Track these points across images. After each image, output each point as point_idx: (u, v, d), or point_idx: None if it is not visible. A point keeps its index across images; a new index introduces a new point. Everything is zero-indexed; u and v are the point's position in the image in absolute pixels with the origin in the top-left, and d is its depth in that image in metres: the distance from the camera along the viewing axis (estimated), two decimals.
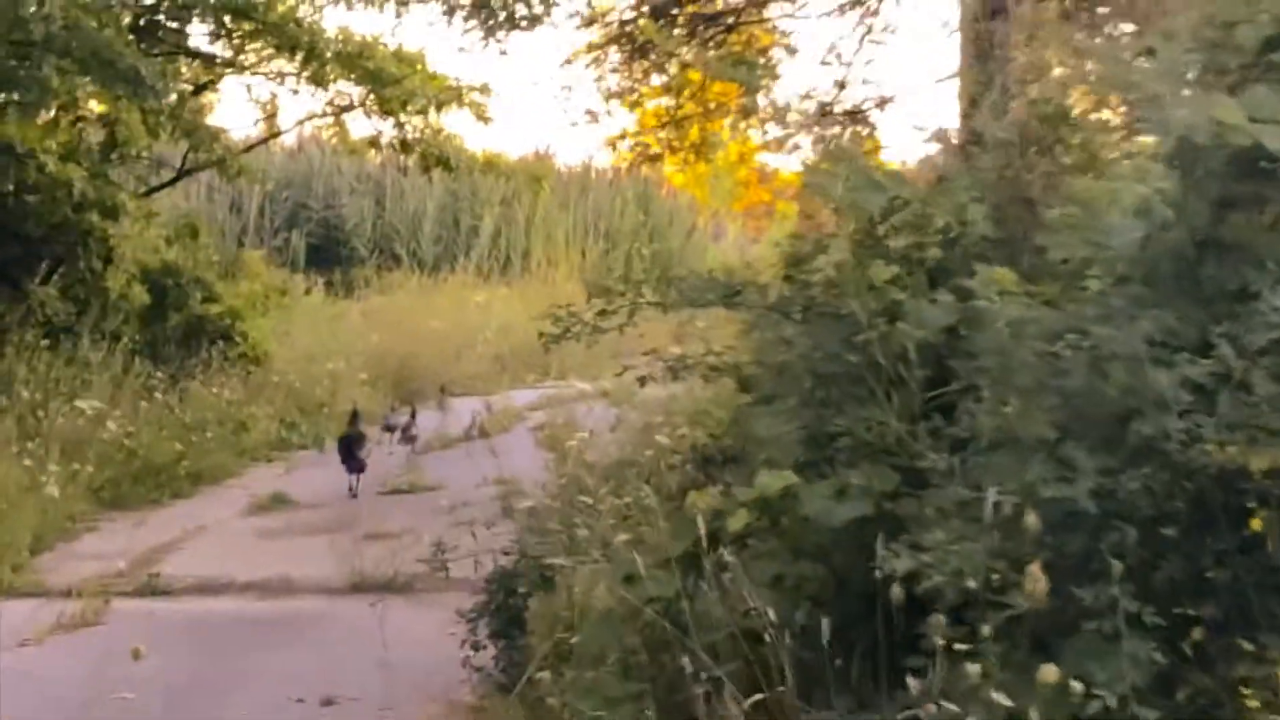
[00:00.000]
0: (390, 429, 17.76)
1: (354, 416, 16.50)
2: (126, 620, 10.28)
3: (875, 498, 5.12)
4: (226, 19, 18.20)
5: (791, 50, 15.25)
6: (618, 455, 12.46)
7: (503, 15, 14.26)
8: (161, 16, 18.23)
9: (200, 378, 17.96)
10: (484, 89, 19.16)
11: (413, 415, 18.05)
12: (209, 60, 19.69)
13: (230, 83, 20.99)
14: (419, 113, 18.94)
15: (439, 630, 9.27)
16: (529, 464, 16.70)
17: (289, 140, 32.33)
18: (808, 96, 14.81)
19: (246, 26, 18.28)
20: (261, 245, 31.26)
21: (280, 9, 17.79)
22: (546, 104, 38.72)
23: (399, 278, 31.31)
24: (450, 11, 14.54)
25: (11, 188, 16.61)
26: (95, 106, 18.14)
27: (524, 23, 14.44)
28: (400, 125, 19.60)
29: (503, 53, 14.81)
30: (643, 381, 11.13)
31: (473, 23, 14.47)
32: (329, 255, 33.11)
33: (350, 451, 15.70)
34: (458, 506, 14.23)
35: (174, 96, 17.11)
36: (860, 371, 5.46)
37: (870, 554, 4.93)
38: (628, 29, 14.99)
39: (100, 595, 10.74)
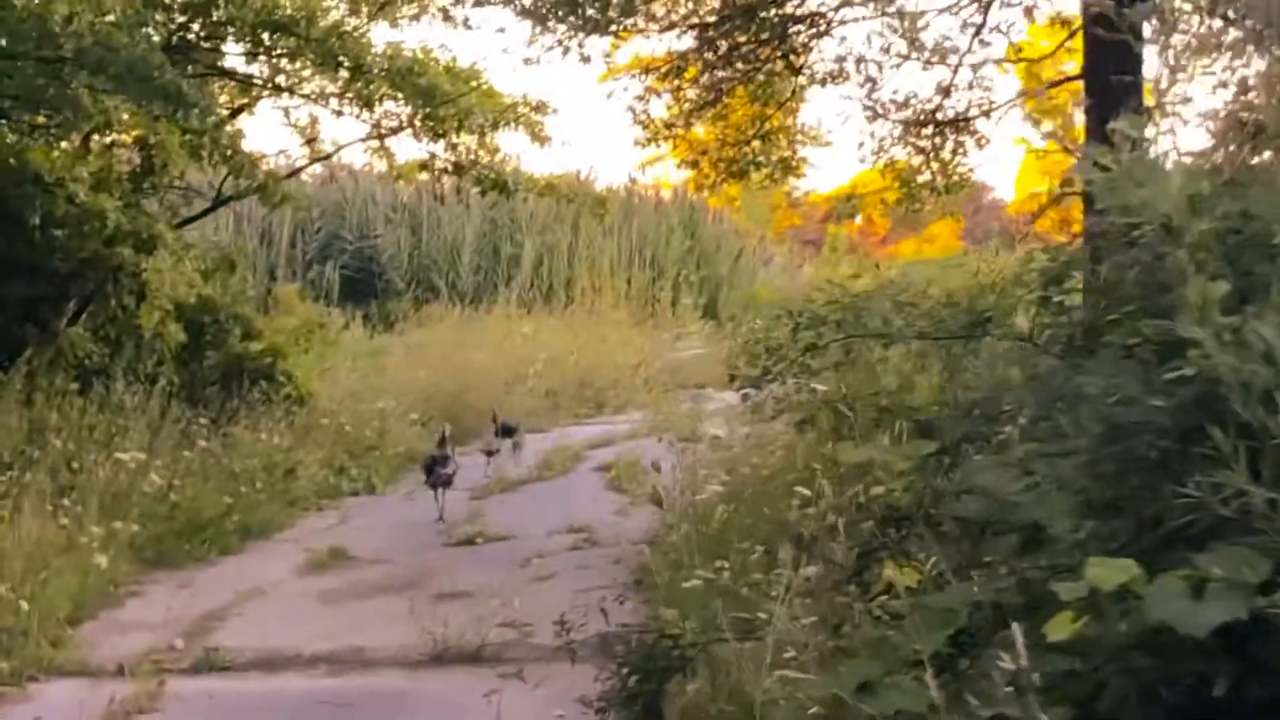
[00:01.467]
0: (490, 453, 17.81)
1: (442, 440, 16.09)
2: (186, 705, 9.01)
3: (1246, 592, 3.78)
4: (265, 36, 16.92)
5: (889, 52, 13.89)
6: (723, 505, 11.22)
7: (595, 12, 12.93)
8: (193, 35, 17.04)
9: (244, 421, 16.70)
10: (541, 106, 17.96)
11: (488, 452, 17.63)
12: (245, 81, 18.46)
13: (265, 106, 19.61)
14: (474, 133, 17.68)
15: (544, 712, 8.10)
16: (600, 509, 15.55)
17: (318, 169, 31.15)
18: (905, 104, 13.58)
19: (287, 44, 16.99)
20: (294, 278, 30.38)
21: (324, 23, 16.49)
22: (586, 123, 37.79)
23: (438, 310, 30.23)
24: (532, 14, 13.20)
25: (38, 220, 15.29)
26: (127, 131, 16.84)
27: (613, 25, 13.14)
28: (453, 147, 18.36)
29: (586, 59, 13.52)
30: (775, 415, 10.07)
31: (558, 27, 13.16)
32: (365, 288, 32.34)
33: (431, 469, 15.70)
34: (533, 560, 13.12)
35: (216, 116, 15.87)
36: (1182, 420, 4.13)
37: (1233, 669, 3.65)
38: (709, 34, 13.69)
39: (154, 674, 9.44)
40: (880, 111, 13.02)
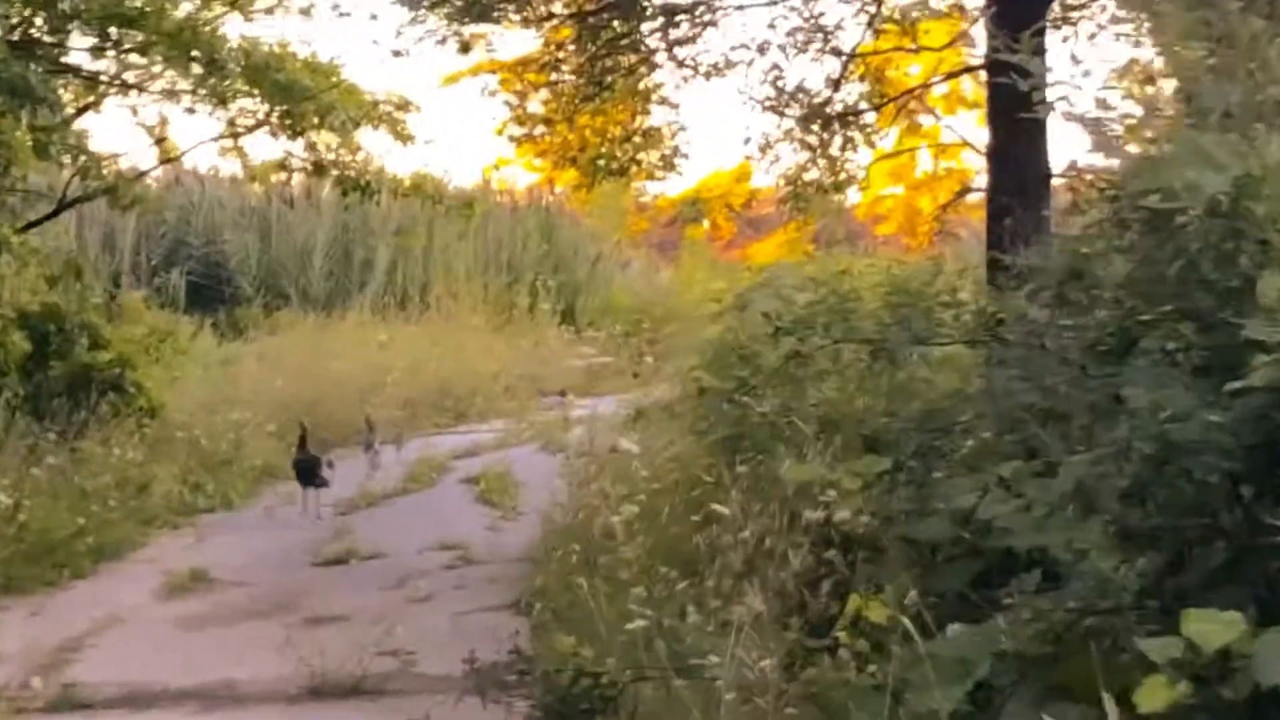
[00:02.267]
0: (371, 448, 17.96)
1: (302, 439, 16.25)
2: None
3: None
4: (113, 29, 15.98)
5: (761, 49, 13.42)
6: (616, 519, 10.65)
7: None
8: (36, 30, 16.09)
9: (93, 435, 15.83)
10: (404, 104, 17.24)
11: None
12: (90, 79, 17.49)
13: (111, 105, 18.57)
14: (335, 131, 16.90)
15: None
16: (472, 524, 14.99)
17: (161, 172, 30.16)
18: (794, 97, 13.12)
19: (136, 38, 16.07)
20: (139, 285, 29.30)
21: (175, 16, 15.59)
22: (436, 122, 37.16)
23: (289, 317, 29.39)
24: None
25: None
26: None
27: (494, 13, 12.51)
28: (313, 146, 17.57)
29: (465, 48, 12.87)
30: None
31: (429, 16, 12.50)
32: (212, 295, 31.41)
33: (311, 473, 15.81)
34: (408, 580, 12.52)
35: (67, 111, 14.96)
36: (1246, 438, 3.62)
37: None
38: (590, 22, 13.11)
39: (7, 716, 8.69)
40: (776, 104, 12.53)
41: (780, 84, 12.58)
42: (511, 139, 14.76)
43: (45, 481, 13.98)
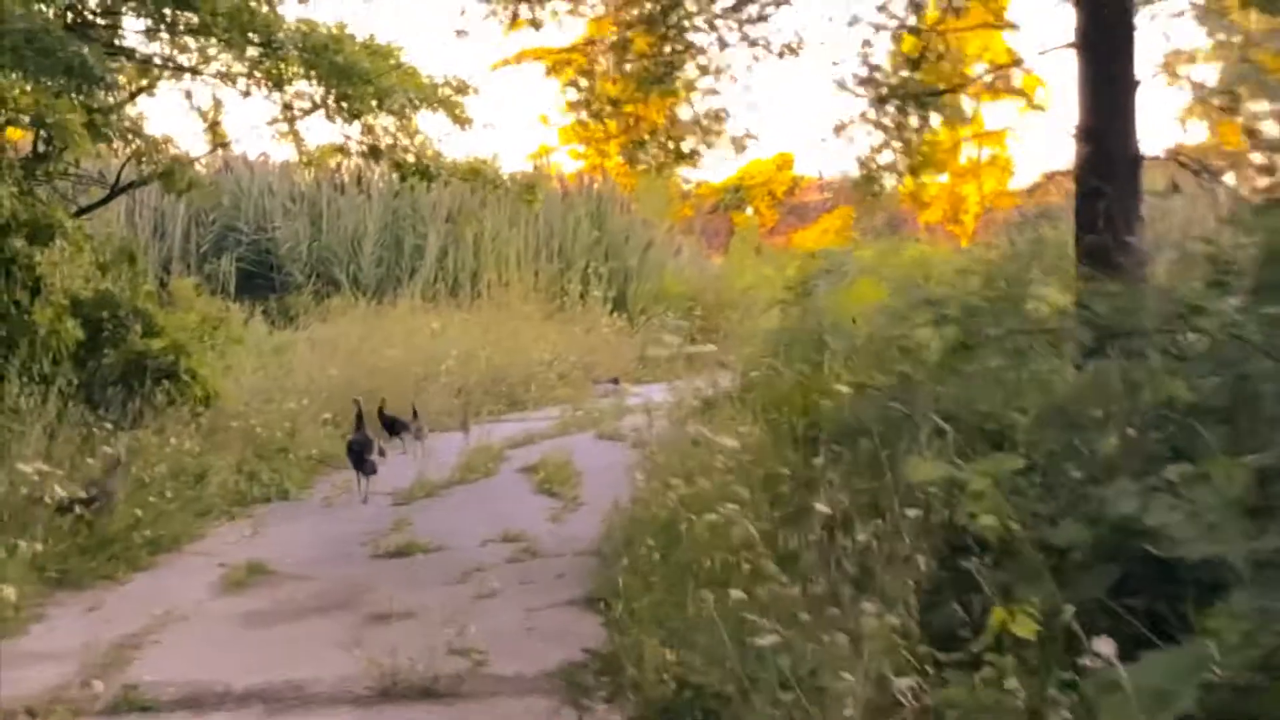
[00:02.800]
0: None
1: (359, 420, 16.47)
2: None
3: None
4: (167, 11, 15.66)
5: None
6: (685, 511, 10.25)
7: None
8: (90, 12, 15.79)
9: (149, 424, 15.56)
10: (462, 86, 16.87)
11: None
12: (144, 62, 17.18)
13: (164, 89, 18.24)
14: (394, 114, 16.54)
15: None
16: (532, 515, 14.65)
17: (213, 157, 29.98)
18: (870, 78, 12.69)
19: (191, 19, 15.74)
20: (189, 272, 29.14)
21: None
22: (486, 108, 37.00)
23: (340, 304, 29.10)
24: None
25: None
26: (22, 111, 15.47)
27: None
28: (369, 129, 17.21)
29: (537, 25, 12.48)
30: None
31: None
32: (262, 282, 31.33)
33: (360, 457, 15.92)
34: (472, 573, 12.16)
35: (124, 93, 14.62)
36: None
37: None
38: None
39: (66, 718, 8.37)
40: (868, 82, 12.09)
41: (869, 60, 12.13)
42: (577, 124, 14.32)
43: (100, 473, 13.64)
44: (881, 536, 5.80)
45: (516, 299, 29.88)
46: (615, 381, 24.40)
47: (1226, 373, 4.47)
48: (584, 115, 14.10)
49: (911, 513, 5.60)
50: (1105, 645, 3.95)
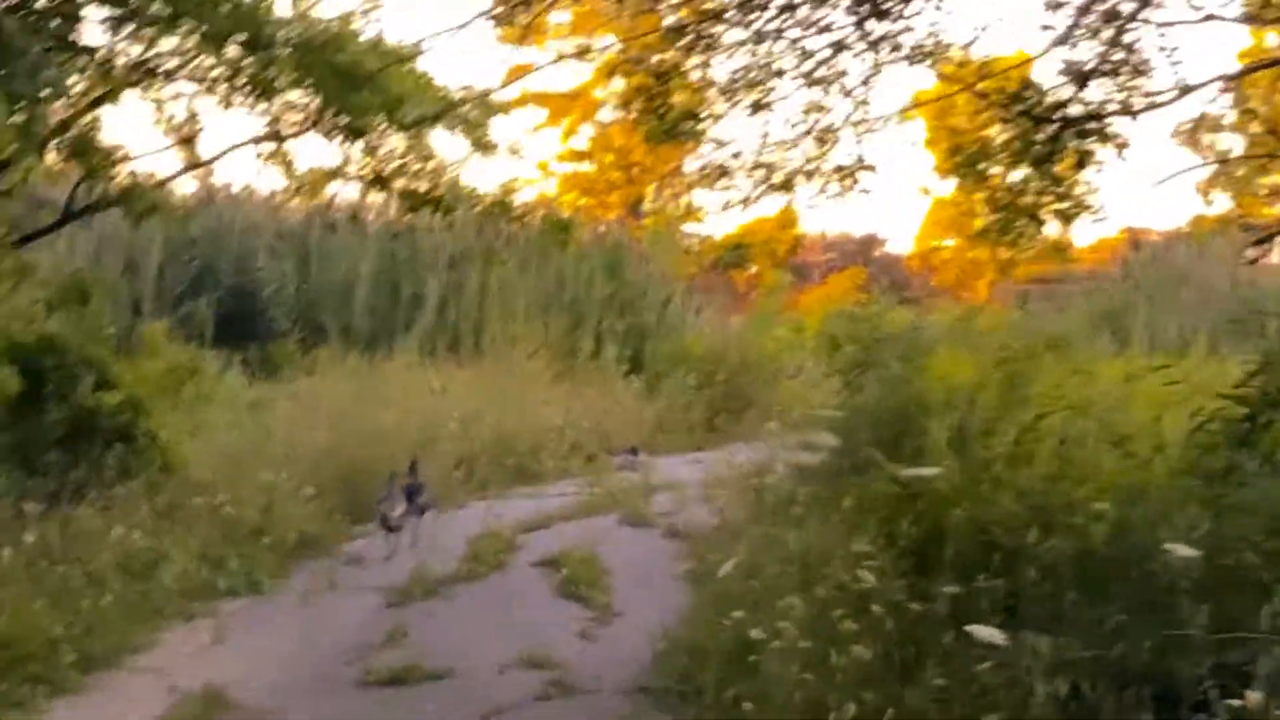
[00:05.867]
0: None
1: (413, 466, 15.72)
2: None
3: None
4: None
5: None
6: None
7: None
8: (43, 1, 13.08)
9: (93, 500, 13.03)
10: (488, 103, 14.12)
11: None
12: (104, 65, 14.41)
13: (131, 99, 15.49)
14: (406, 130, 13.77)
15: None
16: (558, 627, 12.00)
17: (192, 187, 27.82)
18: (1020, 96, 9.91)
19: (162, 11, 12.96)
20: (163, 314, 26.85)
21: None
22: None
23: (328, 355, 26.56)
24: None
25: None
26: None
27: None
28: (373, 150, 14.44)
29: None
30: None
31: None
32: (244, 328, 29.37)
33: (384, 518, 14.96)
34: (491, 717, 9.51)
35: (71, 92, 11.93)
36: None
37: None
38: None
39: None
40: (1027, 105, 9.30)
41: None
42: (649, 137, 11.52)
43: (21, 566, 10.90)
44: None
45: (523, 356, 27.23)
46: (634, 451, 22.55)
47: None
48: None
49: None
50: None
